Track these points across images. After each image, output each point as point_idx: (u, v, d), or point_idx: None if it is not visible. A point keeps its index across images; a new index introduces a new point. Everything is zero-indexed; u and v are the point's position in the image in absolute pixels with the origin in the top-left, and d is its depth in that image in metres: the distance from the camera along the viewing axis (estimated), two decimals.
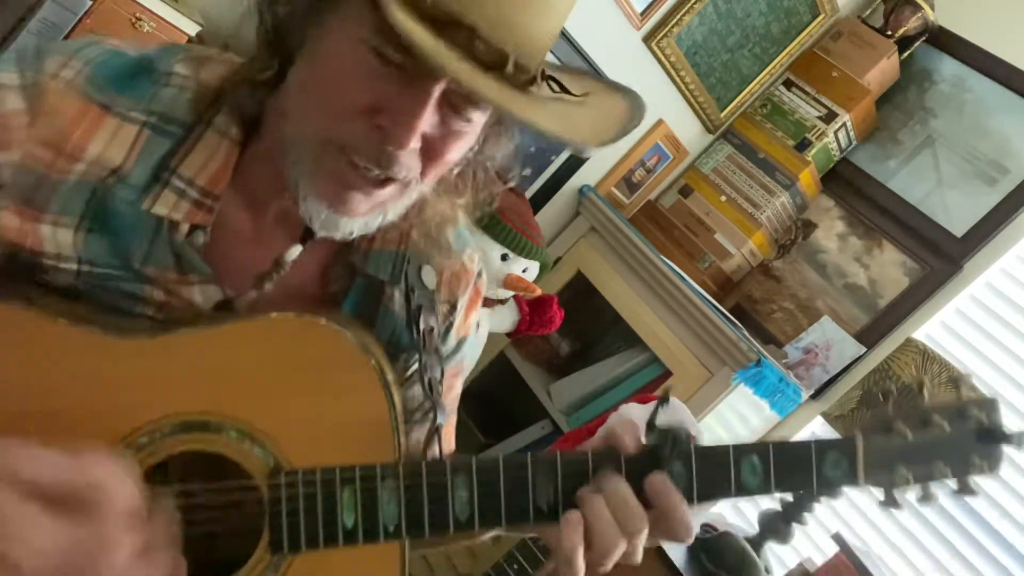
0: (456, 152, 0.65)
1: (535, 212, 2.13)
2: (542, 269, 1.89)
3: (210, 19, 1.50)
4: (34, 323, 0.61)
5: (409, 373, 0.81)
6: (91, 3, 1.34)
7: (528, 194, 2.17)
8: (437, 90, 0.58)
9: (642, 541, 0.63)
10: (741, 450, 0.65)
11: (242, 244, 0.71)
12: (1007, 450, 0.64)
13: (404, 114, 0.58)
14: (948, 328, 2.03)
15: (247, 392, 0.64)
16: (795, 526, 1.63)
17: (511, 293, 1.86)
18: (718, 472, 0.65)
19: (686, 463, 0.65)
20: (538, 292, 1.86)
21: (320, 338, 0.66)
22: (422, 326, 0.75)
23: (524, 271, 1.83)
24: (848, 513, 1.96)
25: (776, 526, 1.64)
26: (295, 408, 0.65)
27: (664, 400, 0.67)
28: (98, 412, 0.61)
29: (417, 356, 0.76)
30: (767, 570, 1.60)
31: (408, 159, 0.61)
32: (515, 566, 1.53)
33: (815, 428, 2.07)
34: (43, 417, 0.59)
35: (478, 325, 0.91)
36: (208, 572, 0.62)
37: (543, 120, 0.56)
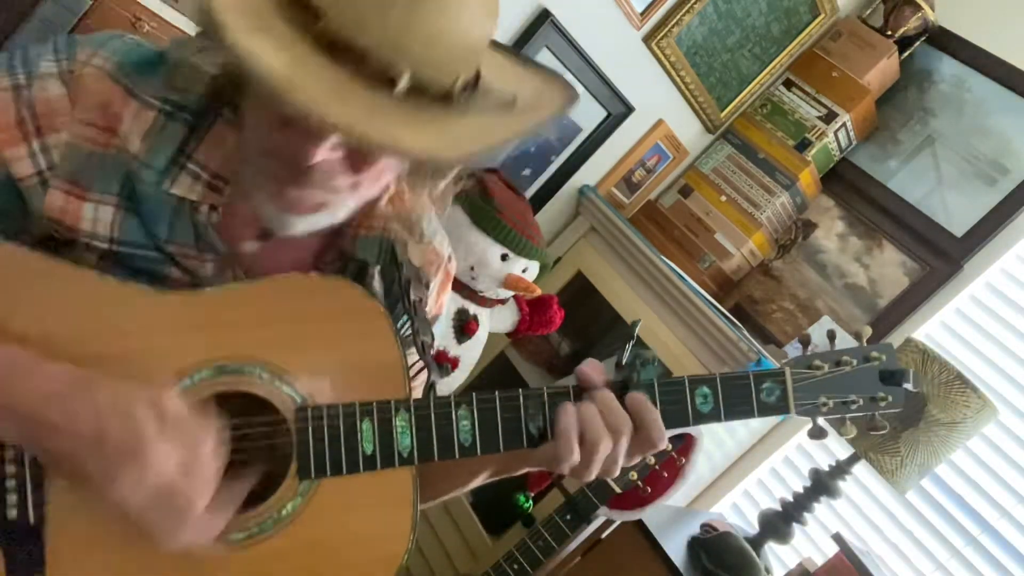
0: (383, 160, 0.67)
1: (535, 212, 2.13)
2: (542, 269, 1.89)
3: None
4: (87, 279, 0.68)
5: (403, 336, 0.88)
6: (91, 3, 1.34)
7: (528, 194, 2.17)
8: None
9: (624, 444, 0.73)
10: (694, 381, 0.77)
11: (246, 226, 0.76)
12: (909, 388, 0.77)
13: (305, 132, 0.61)
14: (948, 328, 2.03)
15: (275, 338, 0.71)
16: (795, 526, 1.63)
17: (511, 293, 1.86)
18: (677, 399, 0.76)
19: (649, 391, 0.76)
20: (538, 292, 1.86)
21: (340, 292, 0.74)
22: (412, 296, 0.83)
23: (524, 271, 1.83)
24: (848, 513, 1.96)
25: (776, 526, 1.64)
26: (319, 352, 0.72)
27: (630, 336, 0.79)
28: (145, 358, 0.68)
29: (409, 322, 0.83)
30: (767, 570, 1.60)
31: (327, 171, 0.64)
32: (515, 566, 1.53)
33: None
34: (96, 361, 0.65)
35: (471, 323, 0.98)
36: (244, 501, 0.69)
37: (407, 139, 0.58)
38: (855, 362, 0.79)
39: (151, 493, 0.60)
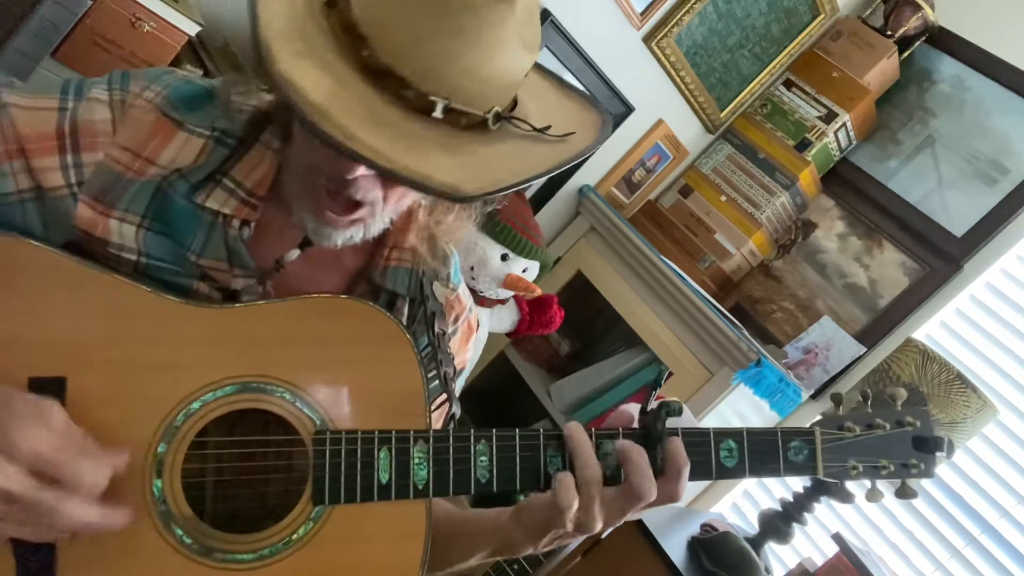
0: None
1: (535, 212, 2.13)
2: (542, 269, 1.89)
3: (210, 19, 1.50)
4: (120, 285, 0.69)
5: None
6: (91, 3, 1.34)
7: (528, 194, 2.17)
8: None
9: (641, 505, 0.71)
10: (719, 434, 0.75)
11: (275, 243, 0.79)
12: (941, 457, 0.76)
13: (342, 160, 0.65)
14: (948, 328, 2.03)
15: (301, 359, 0.72)
16: (795, 526, 1.63)
17: (511, 293, 1.86)
18: (701, 452, 0.75)
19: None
20: (538, 292, 1.86)
21: (367, 316, 0.74)
22: (436, 329, 0.84)
23: (524, 271, 1.83)
24: (848, 513, 1.96)
25: (776, 526, 1.64)
26: (342, 375, 0.73)
27: (658, 384, 0.76)
28: (170, 369, 0.69)
29: (432, 353, 0.84)
30: (767, 570, 1.60)
31: (363, 185, 0.68)
32: (515, 566, 1.53)
33: None
34: (123, 368, 0.67)
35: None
36: (252, 520, 0.71)
37: (430, 169, 0.60)
38: (888, 426, 0.77)
39: None
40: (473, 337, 0.98)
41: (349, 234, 0.74)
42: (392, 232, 0.83)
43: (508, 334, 2.00)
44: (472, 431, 0.73)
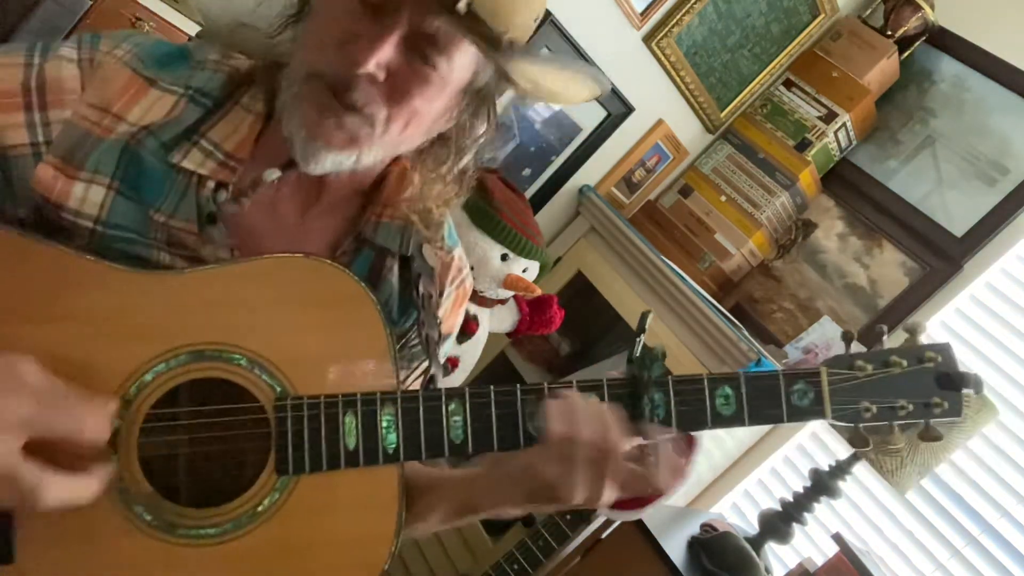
0: (422, 99, 0.69)
1: (535, 212, 2.13)
2: (542, 269, 1.89)
3: (210, 19, 1.50)
4: (62, 256, 0.66)
5: (407, 335, 0.85)
6: (91, 3, 1.34)
7: (528, 194, 2.17)
8: (401, 23, 0.65)
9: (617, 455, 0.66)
10: (715, 380, 0.70)
11: (259, 213, 0.76)
12: (969, 394, 0.68)
13: (368, 40, 0.65)
14: (948, 328, 2.03)
15: (257, 324, 0.68)
16: (795, 526, 1.63)
17: (511, 293, 1.86)
18: (694, 400, 0.69)
19: (664, 390, 0.70)
20: (538, 292, 1.86)
21: (327, 276, 0.70)
22: (421, 290, 0.81)
23: (524, 271, 1.83)
24: (848, 513, 1.96)
25: (776, 526, 1.64)
26: (301, 339, 0.69)
27: (642, 329, 0.73)
28: (119, 340, 0.66)
29: (416, 314, 0.81)
30: (767, 570, 1.60)
31: (369, 87, 0.66)
32: (515, 566, 1.53)
33: (815, 427, 2.07)
34: (68, 343, 0.64)
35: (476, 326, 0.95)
36: (216, 493, 0.67)
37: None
38: (906, 363, 0.69)
39: None
40: (465, 303, 0.94)
41: (340, 158, 0.70)
42: (385, 190, 0.80)
43: (508, 334, 2.00)
44: (443, 390, 0.69)
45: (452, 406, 0.68)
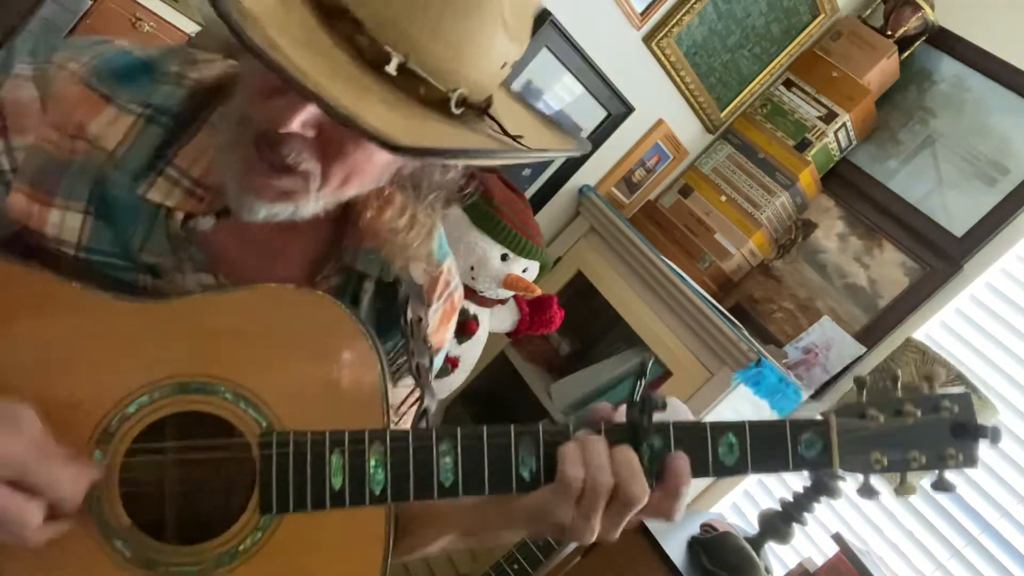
0: (361, 154, 0.62)
1: (535, 212, 2.13)
2: (542, 269, 1.89)
3: (209, 19, 1.50)
4: (47, 283, 0.64)
5: (393, 360, 0.82)
6: (91, 3, 1.34)
7: (528, 194, 2.17)
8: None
9: (632, 498, 0.64)
10: (718, 428, 0.66)
11: (230, 235, 0.73)
12: (984, 445, 0.65)
13: (293, 97, 0.58)
14: (948, 328, 2.03)
15: (244, 356, 0.66)
16: (795, 526, 1.63)
17: (511, 293, 1.86)
18: (697, 448, 0.66)
19: (664, 437, 0.66)
20: (538, 292, 1.86)
21: (317, 308, 0.68)
22: (409, 315, 0.77)
23: (524, 271, 1.82)
24: (848, 513, 1.96)
25: (776, 526, 1.64)
26: (290, 373, 0.67)
27: (642, 374, 0.70)
28: (101, 370, 0.64)
29: (404, 342, 0.77)
30: (767, 570, 1.60)
31: (298, 146, 0.60)
32: (515, 566, 1.53)
33: None
34: (50, 372, 0.63)
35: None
36: (199, 530, 0.65)
37: (369, 116, 0.52)
38: (920, 412, 0.66)
39: None
40: (455, 317, 0.91)
41: (275, 210, 0.65)
42: (363, 216, 0.75)
43: (508, 334, 2.00)
44: (434, 429, 0.66)
45: (443, 446, 0.65)
